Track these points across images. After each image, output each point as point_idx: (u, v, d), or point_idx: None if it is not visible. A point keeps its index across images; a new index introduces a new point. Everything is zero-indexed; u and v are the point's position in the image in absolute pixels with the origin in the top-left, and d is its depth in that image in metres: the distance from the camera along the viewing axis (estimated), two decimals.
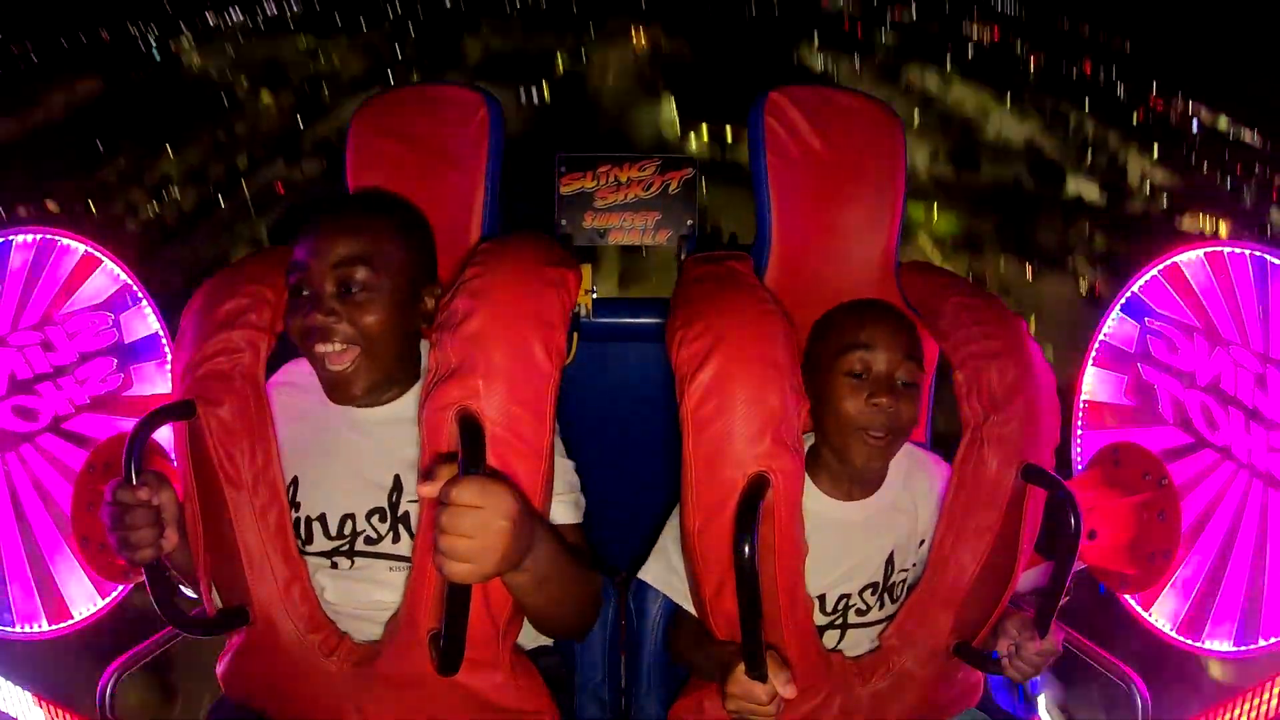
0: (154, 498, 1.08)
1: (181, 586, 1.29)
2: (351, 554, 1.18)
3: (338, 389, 1.15)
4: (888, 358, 1.17)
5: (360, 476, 1.18)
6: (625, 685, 1.41)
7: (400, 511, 1.17)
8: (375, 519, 1.18)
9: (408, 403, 1.20)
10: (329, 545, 1.18)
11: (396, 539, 1.17)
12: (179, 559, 1.20)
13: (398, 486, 1.18)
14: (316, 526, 1.19)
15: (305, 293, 1.14)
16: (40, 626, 1.49)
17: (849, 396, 1.16)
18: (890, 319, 1.21)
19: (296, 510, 1.19)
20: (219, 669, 1.24)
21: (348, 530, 1.18)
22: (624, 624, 1.41)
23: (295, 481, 1.20)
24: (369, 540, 1.18)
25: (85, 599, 1.50)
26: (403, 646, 1.11)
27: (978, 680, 1.30)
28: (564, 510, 1.19)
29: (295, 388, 1.24)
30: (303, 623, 1.15)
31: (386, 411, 1.20)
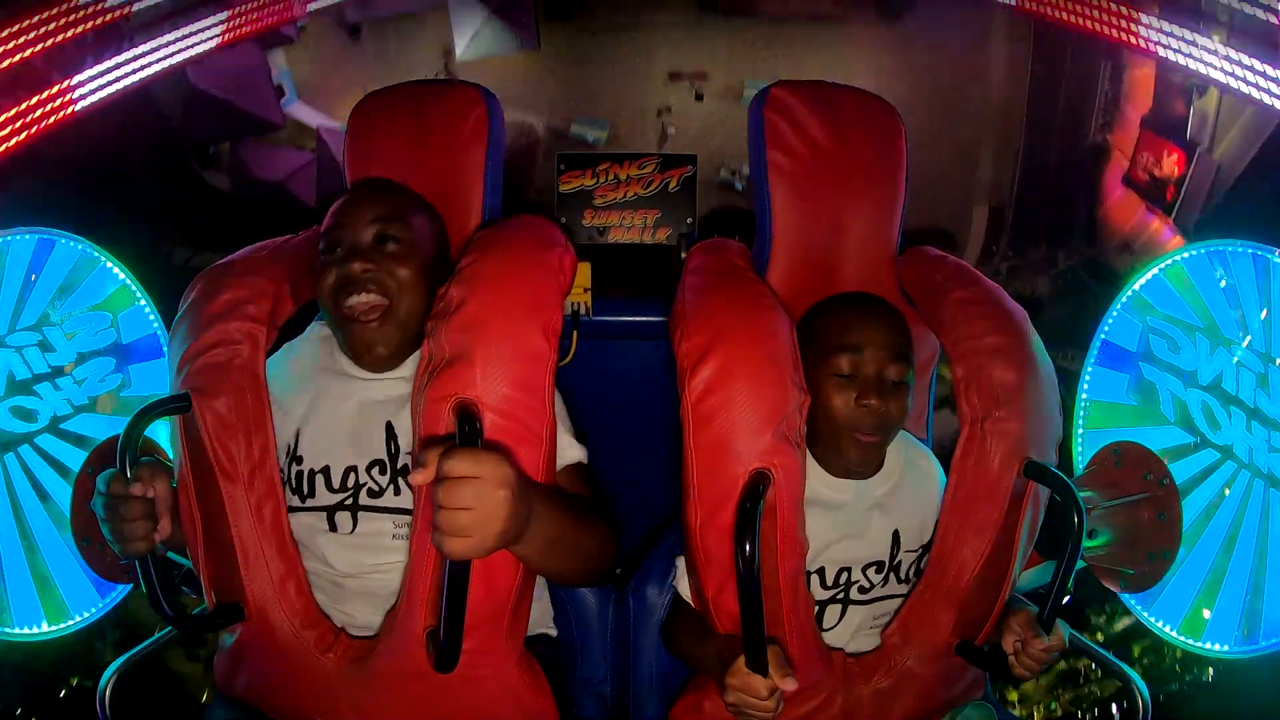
0: (148, 490, 1.07)
1: (184, 587, 1.29)
2: (355, 508, 1.17)
3: (363, 348, 1.17)
4: (876, 359, 1.16)
5: (360, 431, 1.19)
6: (626, 685, 1.40)
7: (400, 464, 1.17)
8: (375, 470, 1.17)
9: (404, 370, 1.21)
10: (332, 499, 1.17)
11: (398, 491, 1.17)
12: (175, 546, 1.20)
13: (391, 435, 1.18)
14: (320, 479, 1.18)
15: (339, 250, 1.17)
16: (40, 626, 1.49)
17: (837, 396, 1.16)
18: (879, 319, 1.19)
19: (299, 464, 1.19)
20: (215, 667, 1.23)
21: (351, 483, 1.17)
22: (624, 623, 1.40)
23: (298, 435, 1.20)
24: (372, 493, 1.17)
25: (85, 599, 1.50)
26: (400, 642, 1.10)
27: (979, 679, 1.30)
28: (566, 450, 1.18)
29: (296, 350, 1.27)
30: (298, 618, 1.14)
31: (385, 378, 1.21)
